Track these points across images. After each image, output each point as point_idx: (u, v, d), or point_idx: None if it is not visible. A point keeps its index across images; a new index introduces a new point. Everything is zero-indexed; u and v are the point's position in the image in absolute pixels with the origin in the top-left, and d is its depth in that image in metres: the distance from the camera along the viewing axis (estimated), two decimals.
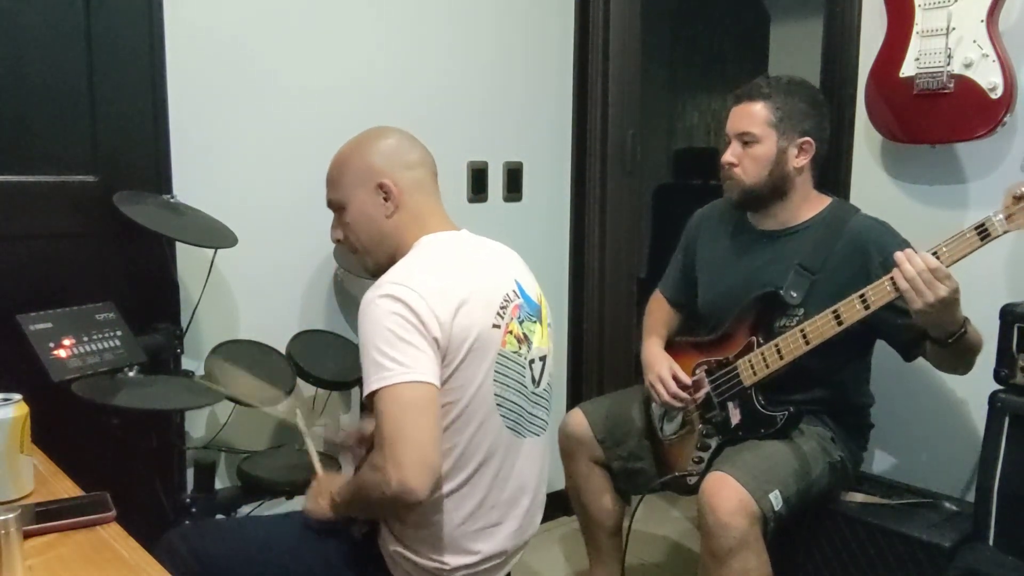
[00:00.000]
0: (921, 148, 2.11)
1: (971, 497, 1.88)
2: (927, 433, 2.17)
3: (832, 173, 2.24)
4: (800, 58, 3.38)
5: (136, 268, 1.86)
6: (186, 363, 1.95)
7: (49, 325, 1.56)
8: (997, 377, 1.77)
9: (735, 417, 1.80)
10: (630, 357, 2.74)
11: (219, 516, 1.84)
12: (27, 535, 1.03)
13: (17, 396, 1.18)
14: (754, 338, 1.79)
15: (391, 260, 1.37)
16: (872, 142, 2.24)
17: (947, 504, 1.93)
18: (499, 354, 1.32)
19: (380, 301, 1.24)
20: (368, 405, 1.24)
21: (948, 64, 1.95)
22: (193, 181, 1.93)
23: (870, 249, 1.75)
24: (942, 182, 2.12)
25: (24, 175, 1.72)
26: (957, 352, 1.64)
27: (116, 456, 1.70)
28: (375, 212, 1.38)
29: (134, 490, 1.60)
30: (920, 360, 1.79)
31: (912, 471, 2.17)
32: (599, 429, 2.00)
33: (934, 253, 1.52)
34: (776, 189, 1.83)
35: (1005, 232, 1.49)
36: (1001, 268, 2.00)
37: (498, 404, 1.32)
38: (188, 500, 1.80)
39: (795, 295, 1.79)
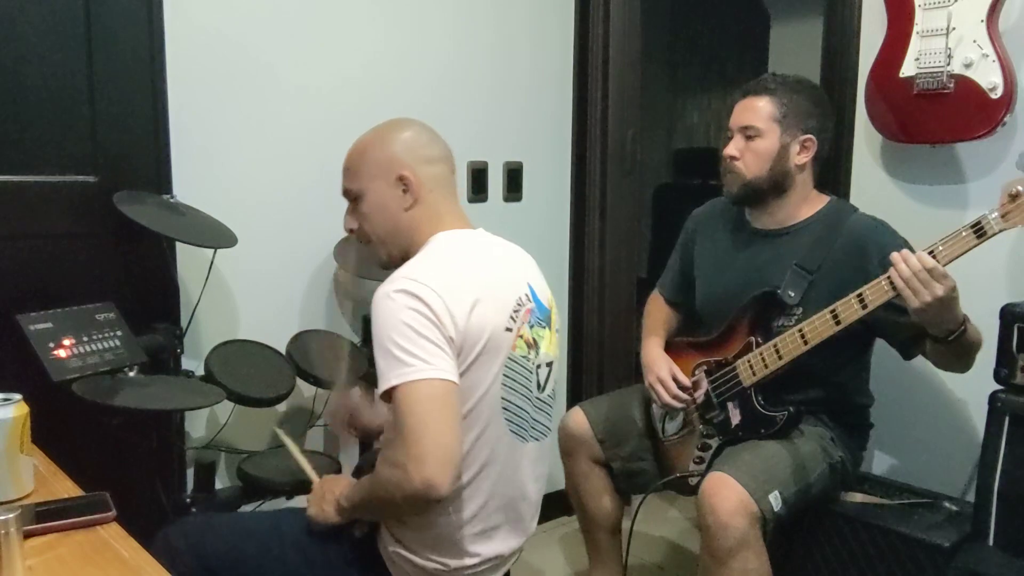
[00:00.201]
0: (921, 148, 2.11)
1: (971, 497, 1.88)
2: (927, 433, 2.17)
3: (832, 173, 2.24)
4: (800, 58, 3.37)
5: (136, 268, 1.86)
6: (186, 363, 1.95)
7: (49, 325, 1.57)
8: (997, 377, 1.76)
9: (735, 417, 1.80)
10: (630, 357, 2.74)
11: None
12: (27, 535, 1.03)
13: (17, 396, 1.17)
14: (753, 338, 1.79)
15: (403, 254, 1.35)
16: (872, 142, 2.24)
17: (947, 504, 1.93)
18: (508, 357, 1.30)
19: (396, 295, 1.21)
20: (385, 400, 1.21)
21: (948, 64, 1.95)
22: (193, 181, 1.93)
23: (868, 248, 1.75)
24: (942, 182, 2.12)
25: (24, 175, 1.72)
26: (957, 350, 1.64)
27: (116, 456, 1.71)
28: (393, 204, 1.35)
29: (134, 490, 1.60)
30: (920, 360, 1.79)
31: (912, 471, 2.17)
32: (599, 429, 2.00)
33: (931, 252, 1.52)
34: (776, 185, 1.83)
35: (1001, 230, 1.48)
36: (1001, 268, 2.00)
37: (504, 408, 1.31)
38: (188, 500, 1.80)
39: (793, 295, 1.78)
